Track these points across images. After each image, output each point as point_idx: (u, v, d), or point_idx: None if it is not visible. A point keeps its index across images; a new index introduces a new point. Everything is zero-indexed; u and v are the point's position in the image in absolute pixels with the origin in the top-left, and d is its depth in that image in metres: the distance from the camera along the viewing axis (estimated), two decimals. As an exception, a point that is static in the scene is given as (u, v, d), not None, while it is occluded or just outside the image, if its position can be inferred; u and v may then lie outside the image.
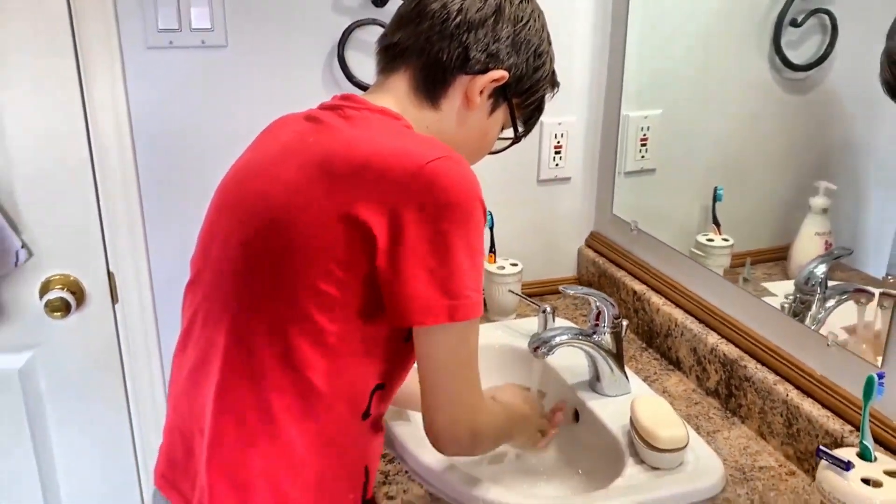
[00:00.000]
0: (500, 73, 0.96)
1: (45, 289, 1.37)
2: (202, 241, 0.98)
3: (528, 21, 0.97)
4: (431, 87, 0.96)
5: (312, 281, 0.84)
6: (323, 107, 0.96)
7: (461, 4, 0.94)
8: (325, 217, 0.83)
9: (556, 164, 1.64)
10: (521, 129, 1.05)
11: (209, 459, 0.89)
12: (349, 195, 0.83)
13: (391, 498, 1.04)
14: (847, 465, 0.88)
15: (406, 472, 1.09)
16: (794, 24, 1.22)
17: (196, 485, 0.92)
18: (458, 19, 0.93)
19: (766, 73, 1.29)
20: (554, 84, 1.05)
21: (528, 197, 1.64)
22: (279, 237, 0.86)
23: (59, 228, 1.36)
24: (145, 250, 1.42)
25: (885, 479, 0.88)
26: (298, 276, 0.84)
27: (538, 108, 1.05)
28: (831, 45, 1.18)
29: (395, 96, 0.95)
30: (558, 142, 1.61)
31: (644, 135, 1.56)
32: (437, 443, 0.92)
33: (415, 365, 0.94)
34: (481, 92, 0.96)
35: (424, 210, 0.82)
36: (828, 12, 1.17)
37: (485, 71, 0.95)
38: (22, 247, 1.32)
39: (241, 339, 0.88)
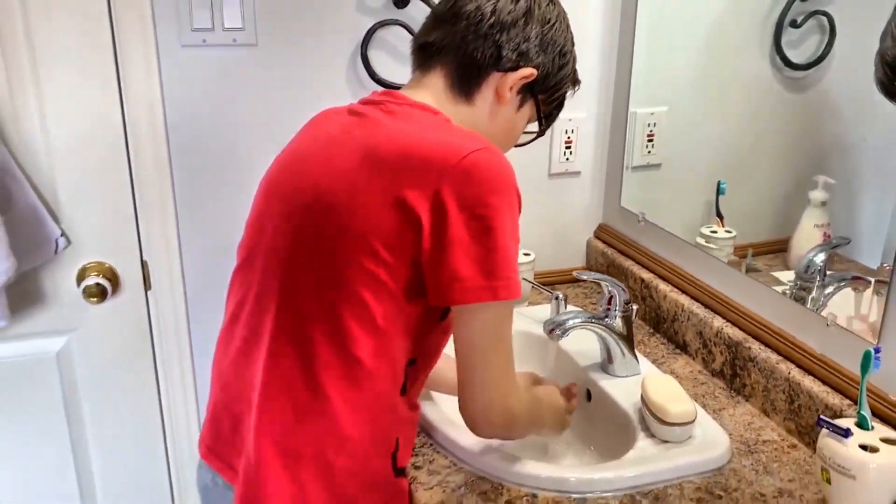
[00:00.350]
0: (529, 71, 1.02)
1: (81, 276, 1.44)
2: (251, 227, 1.05)
3: (554, 23, 1.04)
4: (466, 84, 1.02)
5: (361, 263, 0.90)
6: (364, 101, 1.02)
7: (494, 6, 1.00)
8: (374, 202, 0.90)
9: (567, 159, 1.69)
10: (544, 124, 1.11)
11: (258, 431, 0.96)
12: (395, 182, 0.89)
13: (418, 468, 1.10)
14: (846, 433, 0.95)
15: (431, 444, 1.16)
16: (794, 24, 1.27)
17: (243, 455, 0.99)
18: (491, 20, 0.99)
19: (767, 72, 1.34)
20: (575, 82, 1.11)
21: (539, 190, 1.69)
22: (330, 222, 0.92)
23: (95, 218, 1.43)
24: (177, 240, 1.48)
25: (882, 446, 0.94)
26: (349, 259, 0.91)
27: (560, 105, 1.11)
28: (829, 45, 1.23)
29: (433, 92, 1.02)
30: (569, 137, 1.67)
31: (650, 131, 1.61)
32: (473, 424, 0.97)
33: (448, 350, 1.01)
34: (511, 88, 1.03)
35: (465, 196, 0.88)
36: (826, 14, 1.22)
37: (515, 68, 1.02)
38: (61, 235, 1.38)
39: (292, 318, 0.95)
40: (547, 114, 1.11)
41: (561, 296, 1.47)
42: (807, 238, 1.28)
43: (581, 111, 1.67)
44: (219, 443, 1.05)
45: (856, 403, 1.00)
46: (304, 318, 0.94)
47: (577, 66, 1.12)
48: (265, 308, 0.97)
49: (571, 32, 1.08)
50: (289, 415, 0.95)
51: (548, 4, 1.04)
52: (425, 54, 1.04)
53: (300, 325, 0.94)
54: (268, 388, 0.96)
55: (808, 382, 1.15)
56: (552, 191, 1.71)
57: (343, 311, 0.92)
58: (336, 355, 0.93)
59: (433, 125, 0.96)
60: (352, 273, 0.91)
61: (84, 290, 1.42)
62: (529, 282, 1.58)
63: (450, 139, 0.92)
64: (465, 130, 0.98)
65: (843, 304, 1.18)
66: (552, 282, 1.68)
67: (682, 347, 1.43)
